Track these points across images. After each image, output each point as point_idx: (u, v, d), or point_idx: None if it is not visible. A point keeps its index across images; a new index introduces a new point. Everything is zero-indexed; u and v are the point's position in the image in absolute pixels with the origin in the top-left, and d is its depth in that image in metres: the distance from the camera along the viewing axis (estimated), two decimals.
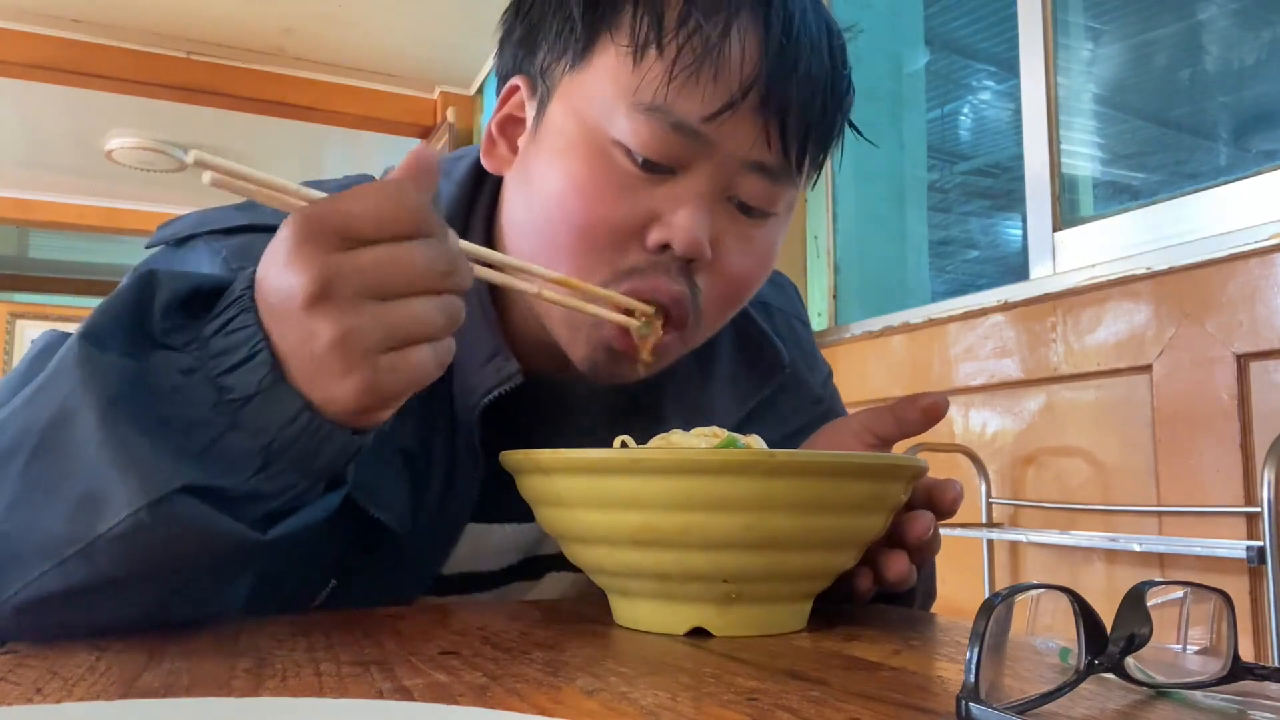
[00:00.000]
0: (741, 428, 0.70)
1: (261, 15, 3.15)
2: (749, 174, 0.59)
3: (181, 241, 0.62)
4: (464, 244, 0.50)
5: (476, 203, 0.68)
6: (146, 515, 0.40)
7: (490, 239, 0.67)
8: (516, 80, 0.64)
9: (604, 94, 0.58)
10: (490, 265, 0.54)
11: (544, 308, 0.62)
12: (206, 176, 0.43)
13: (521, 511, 0.56)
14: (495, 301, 0.65)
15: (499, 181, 0.67)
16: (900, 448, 0.66)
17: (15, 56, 3.16)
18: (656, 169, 0.58)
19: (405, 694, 0.34)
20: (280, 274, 0.42)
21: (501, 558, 0.68)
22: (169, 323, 0.45)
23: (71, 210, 5.12)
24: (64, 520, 0.41)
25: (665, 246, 0.58)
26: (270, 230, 0.57)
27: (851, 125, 0.65)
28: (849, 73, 0.63)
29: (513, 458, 0.51)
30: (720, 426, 0.68)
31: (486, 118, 0.69)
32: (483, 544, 0.67)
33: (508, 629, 0.49)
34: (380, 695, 0.34)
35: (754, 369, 0.74)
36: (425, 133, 3.78)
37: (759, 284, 0.64)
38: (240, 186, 0.44)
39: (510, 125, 0.65)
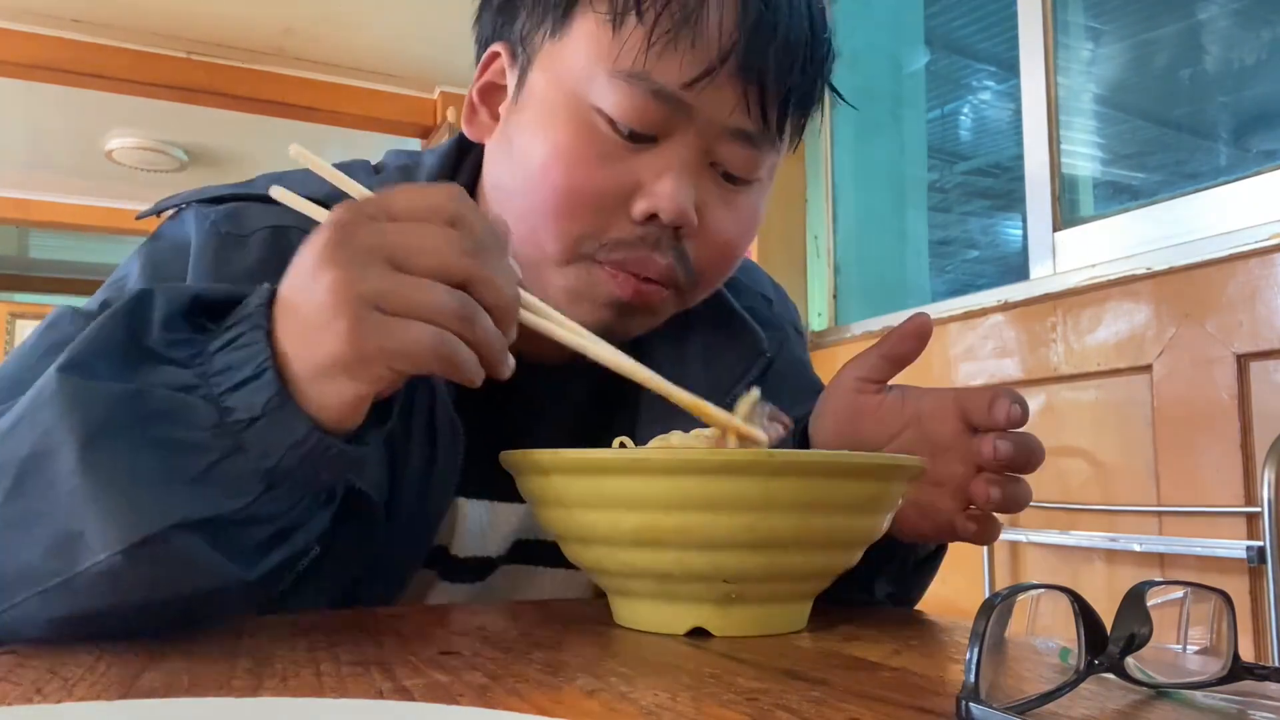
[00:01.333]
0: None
1: (261, 15, 3.15)
2: (730, 141, 0.59)
3: (175, 213, 0.63)
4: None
5: (459, 169, 0.68)
6: (123, 559, 0.39)
7: None
8: (496, 47, 0.65)
9: (584, 61, 0.58)
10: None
11: (544, 282, 0.61)
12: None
13: (515, 491, 0.56)
14: None
15: (481, 154, 0.68)
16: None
17: (15, 56, 3.16)
18: (638, 138, 0.58)
19: (405, 694, 0.34)
20: (306, 251, 0.42)
21: (496, 539, 0.68)
22: (171, 335, 0.43)
23: (71, 210, 5.12)
24: (43, 557, 0.40)
25: (652, 216, 0.58)
26: (259, 200, 0.58)
27: (833, 89, 0.66)
28: (829, 36, 0.63)
29: (512, 458, 0.51)
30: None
31: None
32: (474, 521, 0.67)
33: (508, 629, 0.49)
34: (380, 695, 0.34)
35: (730, 353, 0.72)
36: (425, 132, 3.78)
37: (746, 248, 0.65)
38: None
39: (491, 93, 0.66)
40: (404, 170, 0.68)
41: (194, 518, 0.40)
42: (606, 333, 0.61)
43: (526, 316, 0.49)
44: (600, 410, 0.72)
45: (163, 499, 0.39)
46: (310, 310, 0.41)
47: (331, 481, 0.46)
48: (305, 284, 0.42)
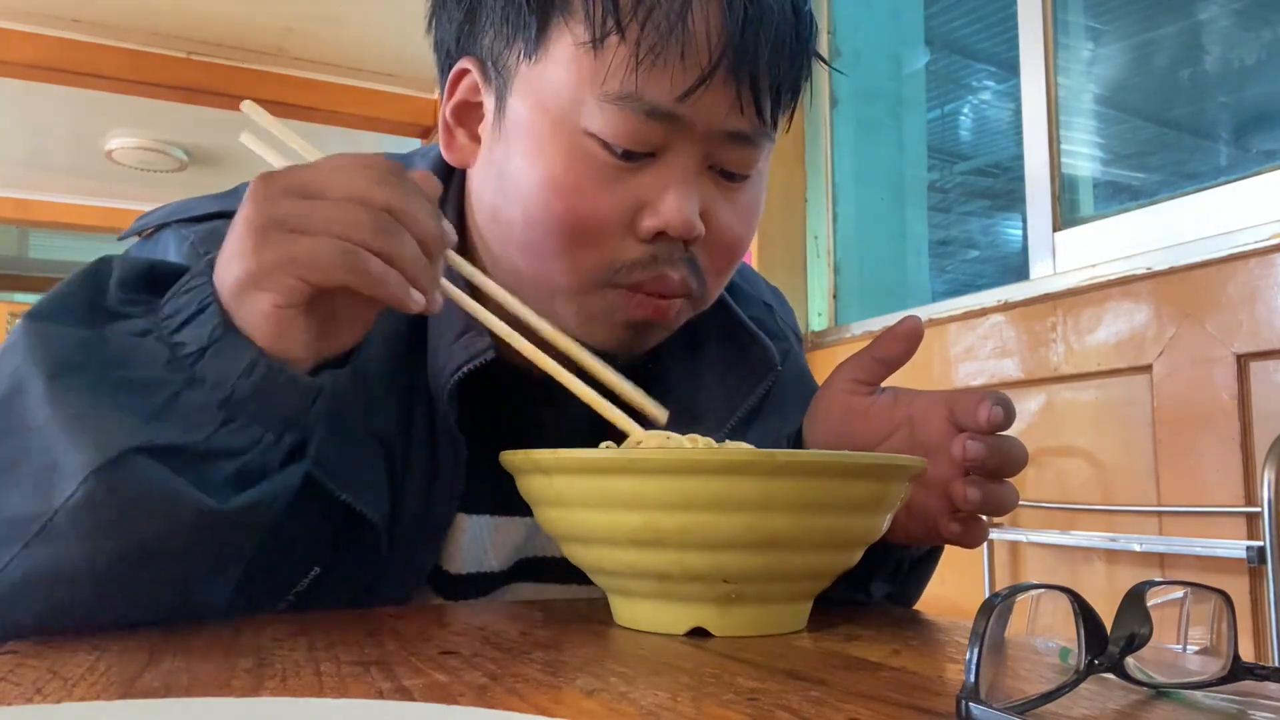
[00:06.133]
0: (741, 429, 0.69)
1: (261, 15, 3.15)
2: (727, 143, 0.58)
3: (153, 232, 0.63)
4: (462, 262, 0.53)
5: (448, 189, 0.65)
6: (99, 480, 0.40)
7: (461, 232, 0.65)
8: (465, 64, 0.62)
9: (568, 85, 0.56)
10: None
11: (556, 310, 0.60)
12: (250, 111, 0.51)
13: (517, 504, 0.54)
14: (470, 278, 0.64)
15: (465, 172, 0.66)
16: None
17: (15, 56, 3.16)
18: (635, 157, 0.56)
19: (405, 694, 0.34)
20: (236, 217, 0.46)
21: (498, 555, 0.67)
22: (125, 295, 0.47)
23: (71, 210, 5.12)
24: (24, 499, 0.41)
25: (659, 233, 0.57)
26: None
27: (819, 57, 0.63)
28: (809, 9, 0.60)
29: (512, 458, 0.51)
30: (711, 426, 0.67)
31: None
32: (472, 536, 0.66)
33: (508, 629, 0.49)
34: (380, 695, 0.34)
35: (742, 366, 0.71)
36: (425, 133, 3.77)
37: (750, 240, 0.64)
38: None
39: (466, 111, 0.63)
40: None
41: (156, 444, 0.42)
42: (624, 350, 0.61)
43: (450, 290, 0.54)
44: (607, 427, 0.71)
45: (126, 425, 0.42)
46: (228, 246, 0.46)
47: (293, 415, 0.47)
48: (228, 234, 0.46)
